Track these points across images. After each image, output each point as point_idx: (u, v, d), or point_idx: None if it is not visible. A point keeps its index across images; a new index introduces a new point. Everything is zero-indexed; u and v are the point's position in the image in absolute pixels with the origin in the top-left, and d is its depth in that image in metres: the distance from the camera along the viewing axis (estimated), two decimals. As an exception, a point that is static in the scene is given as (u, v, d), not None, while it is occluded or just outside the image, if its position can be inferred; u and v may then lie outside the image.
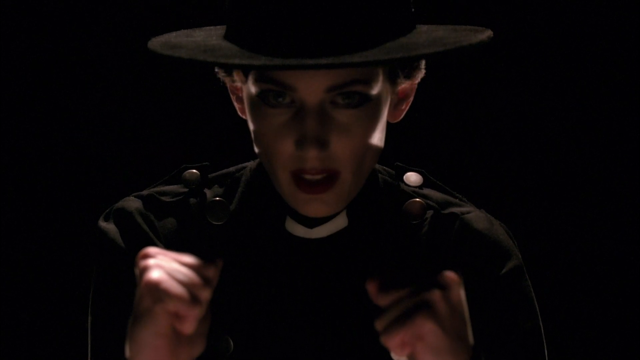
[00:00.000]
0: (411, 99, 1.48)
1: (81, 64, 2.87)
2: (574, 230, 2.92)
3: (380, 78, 1.38)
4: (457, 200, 1.56)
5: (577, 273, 2.92)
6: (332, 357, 1.44)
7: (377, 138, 1.41)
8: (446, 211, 1.53)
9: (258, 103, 1.39)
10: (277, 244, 1.47)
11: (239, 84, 1.44)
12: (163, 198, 1.52)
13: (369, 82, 1.37)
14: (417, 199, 1.53)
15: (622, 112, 2.92)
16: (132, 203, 1.50)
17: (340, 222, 1.48)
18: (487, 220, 1.54)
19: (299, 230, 1.47)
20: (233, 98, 1.49)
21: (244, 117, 1.47)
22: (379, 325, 1.23)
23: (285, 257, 1.47)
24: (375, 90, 1.38)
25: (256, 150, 1.43)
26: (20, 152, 2.88)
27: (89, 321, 1.48)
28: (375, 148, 1.41)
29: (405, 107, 1.48)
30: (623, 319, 2.90)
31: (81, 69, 2.87)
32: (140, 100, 2.87)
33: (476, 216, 1.53)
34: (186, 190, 1.53)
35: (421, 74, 1.46)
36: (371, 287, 1.24)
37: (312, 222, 1.47)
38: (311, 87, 1.35)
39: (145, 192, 1.53)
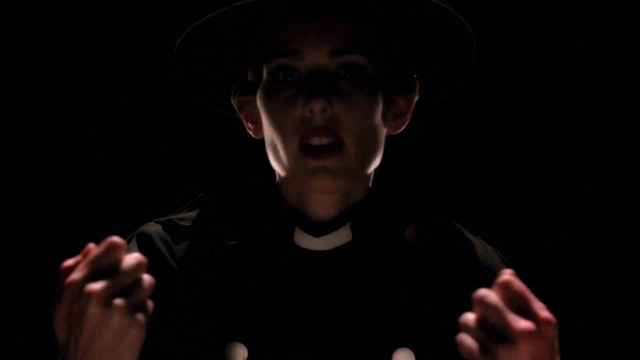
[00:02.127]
0: (408, 117, 1.63)
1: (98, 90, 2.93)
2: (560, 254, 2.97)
3: (377, 60, 1.55)
4: (457, 226, 1.66)
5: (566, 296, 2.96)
6: None
7: (377, 122, 1.55)
8: (448, 233, 1.63)
9: (269, 87, 1.54)
10: (287, 257, 1.57)
11: (252, 109, 1.58)
12: (181, 223, 1.62)
13: (366, 54, 1.53)
14: (416, 223, 1.63)
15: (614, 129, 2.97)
16: (152, 227, 1.62)
17: (344, 236, 1.59)
18: (482, 247, 1.64)
19: (306, 242, 1.57)
20: (248, 125, 1.63)
21: (258, 136, 1.61)
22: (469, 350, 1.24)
23: (294, 269, 1.56)
24: (372, 71, 1.54)
25: (268, 142, 1.56)
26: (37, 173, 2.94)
27: None
28: (375, 131, 1.55)
29: (402, 124, 1.63)
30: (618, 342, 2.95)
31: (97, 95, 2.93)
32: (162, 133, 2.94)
33: (474, 242, 1.64)
34: (202, 215, 1.63)
35: (415, 95, 1.61)
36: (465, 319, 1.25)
37: (318, 231, 1.57)
38: (316, 51, 1.51)
39: (164, 218, 1.64)
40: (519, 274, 1.63)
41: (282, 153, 1.54)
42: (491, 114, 2.97)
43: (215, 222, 1.61)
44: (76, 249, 1.30)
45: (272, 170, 1.63)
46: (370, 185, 1.62)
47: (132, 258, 1.24)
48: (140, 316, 1.24)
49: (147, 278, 1.25)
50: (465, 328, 1.22)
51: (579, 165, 2.97)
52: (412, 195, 1.68)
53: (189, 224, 1.61)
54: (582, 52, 2.96)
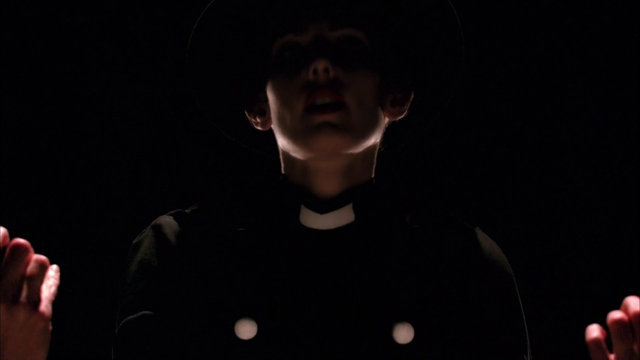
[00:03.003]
0: (405, 108, 1.72)
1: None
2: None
3: (375, 39, 1.68)
4: (456, 216, 1.75)
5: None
6: (347, 339, 1.60)
7: (376, 92, 1.66)
8: (447, 220, 1.72)
9: (277, 64, 1.66)
10: (293, 235, 1.66)
11: (261, 104, 1.70)
12: (190, 211, 1.71)
13: (364, 30, 1.66)
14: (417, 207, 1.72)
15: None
16: (163, 218, 1.71)
17: (347, 217, 1.67)
18: (482, 235, 1.73)
19: (311, 221, 1.66)
20: (256, 120, 1.72)
21: (266, 128, 1.71)
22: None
23: (300, 247, 1.65)
24: (370, 48, 1.66)
25: (275, 114, 1.66)
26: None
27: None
28: (374, 99, 1.66)
29: (400, 113, 1.72)
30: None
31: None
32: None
33: (477, 231, 1.72)
34: (210, 202, 1.72)
35: (412, 92, 1.72)
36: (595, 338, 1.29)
37: (322, 207, 1.66)
38: (317, 25, 1.64)
39: (174, 211, 1.73)
40: (517, 269, 1.72)
41: (288, 117, 1.63)
42: (493, 111, 3.01)
43: (222, 208, 1.70)
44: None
45: (277, 166, 1.72)
46: (373, 172, 1.71)
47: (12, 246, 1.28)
48: (44, 308, 1.28)
49: (37, 263, 1.29)
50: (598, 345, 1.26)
51: (577, 166, 3.00)
52: (413, 184, 1.75)
53: (197, 212, 1.70)
54: (580, 53, 2.99)
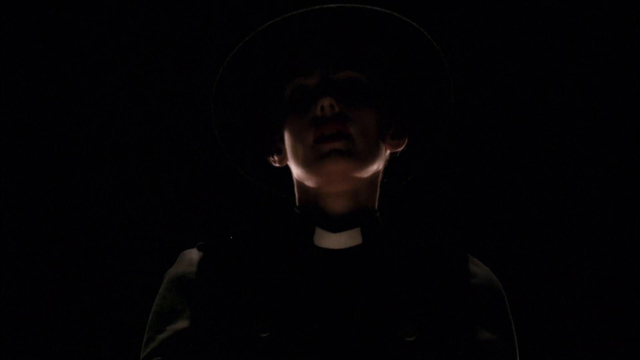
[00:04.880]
0: (403, 141, 1.95)
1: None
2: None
3: (374, 79, 1.88)
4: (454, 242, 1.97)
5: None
6: (355, 346, 1.81)
7: (377, 125, 1.88)
8: (445, 246, 1.95)
9: (289, 104, 1.87)
10: (308, 254, 1.88)
11: (278, 143, 1.92)
12: (213, 243, 1.94)
13: (364, 72, 1.86)
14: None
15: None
16: (189, 252, 1.93)
17: (356, 239, 1.89)
18: (472, 260, 1.95)
19: (324, 241, 1.88)
20: (274, 159, 1.95)
21: (283, 164, 1.93)
22: None
23: (314, 264, 1.87)
24: (369, 87, 1.87)
25: (289, 147, 1.88)
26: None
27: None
28: (376, 131, 1.87)
29: (399, 145, 1.94)
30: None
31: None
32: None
33: (469, 256, 1.95)
34: (232, 237, 1.95)
35: (408, 126, 1.95)
36: None
37: (334, 226, 1.88)
38: (322, 68, 1.86)
39: (199, 243, 1.95)
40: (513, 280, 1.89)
41: (300, 148, 1.85)
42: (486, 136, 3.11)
43: (243, 237, 1.93)
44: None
45: (292, 203, 1.94)
46: (377, 199, 1.93)
47: None
48: None
49: None
50: None
51: (576, 171, 3.10)
52: (412, 212, 1.95)
53: (220, 242, 1.93)
54: (569, 81, 3.10)
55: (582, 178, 3.11)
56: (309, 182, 1.87)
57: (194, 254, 1.90)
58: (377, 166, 1.89)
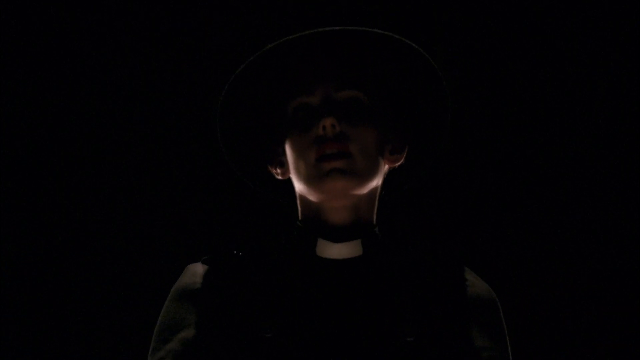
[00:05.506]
0: (402, 156, 2.01)
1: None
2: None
3: (374, 98, 1.94)
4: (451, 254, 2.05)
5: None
6: (356, 350, 1.87)
7: (376, 143, 1.94)
8: (441, 257, 2.02)
9: (292, 121, 1.93)
10: (311, 264, 1.95)
11: (280, 156, 1.98)
12: (218, 255, 2.01)
13: (365, 91, 1.92)
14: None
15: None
16: (193, 265, 2.00)
17: (356, 250, 1.95)
18: (468, 271, 2.02)
19: (325, 251, 1.95)
20: (277, 171, 2.01)
21: (285, 177, 2.00)
22: None
23: (317, 273, 1.94)
24: (369, 106, 1.93)
25: (292, 164, 1.94)
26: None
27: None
28: (375, 149, 1.94)
29: (397, 160, 2.01)
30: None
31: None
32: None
33: (466, 270, 2.02)
34: (238, 253, 2.01)
35: (407, 141, 2.02)
36: None
37: (335, 236, 1.95)
38: (324, 88, 1.92)
39: (204, 257, 2.02)
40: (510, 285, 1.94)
41: (303, 166, 1.91)
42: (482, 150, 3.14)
43: (248, 249, 1.99)
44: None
45: (294, 215, 2.01)
46: (375, 212, 1.99)
47: None
48: None
49: None
50: None
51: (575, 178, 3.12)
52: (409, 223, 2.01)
53: (226, 255, 2.00)
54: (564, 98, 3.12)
55: (577, 192, 3.13)
56: (311, 197, 1.94)
57: (198, 267, 1.96)
58: (377, 182, 1.96)
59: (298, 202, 1.99)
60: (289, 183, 2.00)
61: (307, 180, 1.91)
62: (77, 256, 3.11)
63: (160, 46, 3.12)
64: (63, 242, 3.11)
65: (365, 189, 1.93)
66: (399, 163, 2.01)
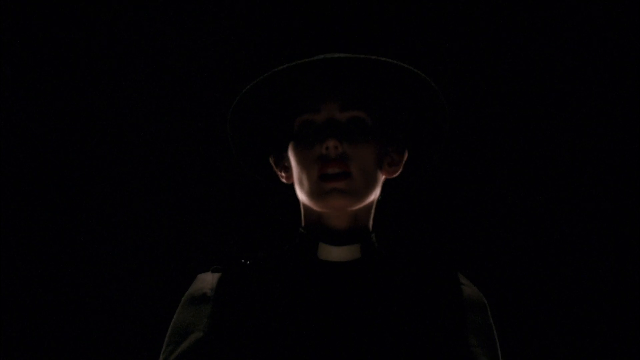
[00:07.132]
0: (399, 167, 2.10)
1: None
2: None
3: (375, 116, 2.03)
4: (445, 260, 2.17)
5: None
6: (356, 348, 1.97)
7: (375, 161, 2.04)
8: (435, 262, 2.12)
9: (297, 137, 2.02)
10: (312, 266, 2.05)
11: (285, 162, 2.08)
12: (225, 264, 2.11)
13: (367, 111, 2.01)
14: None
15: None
16: (203, 274, 2.10)
17: (355, 253, 2.05)
18: (462, 276, 2.12)
19: (326, 254, 2.05)
20: (281, 174, 2.11)
21: (289, 182, 2.09)
22: None
23: (318, 275, 2.04)
24: (371, 124, 2.02)
25: (296, 177, 2.04)
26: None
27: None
28: (374, 167, 2.03)
29: (395, 171, 2.10)
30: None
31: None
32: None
33: (460, 276, 2.12)
34: (245, 262, 2.11)
35: (405, 153, 2.10)
36: None
37: (336, 239, 2.05)
38: (329, 107, 2.00)
39: (212, 267, 2.12)
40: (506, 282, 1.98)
41: (305, 181, 2.00)
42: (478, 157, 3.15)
43: (254, 256, 2.09)
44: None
45: (297, 221, 2.10)
46: (372, 218, 2.08)
47: None
48: None
49: None
50: None
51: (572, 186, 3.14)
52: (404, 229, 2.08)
53: (233, 263, 2.10)
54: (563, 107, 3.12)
55: (573, 198, 3.14)
56: (313, 207, 2.03)
57: (208, 276, 2.06)
58: (375, 195, 2.06)
59: (301, 206, 2.09)
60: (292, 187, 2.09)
61: (309, 195, 2.00)
62: (80, 264, 3.13)
63: (174, 52, 3.15)
64: (68, 249, 3.13)
65: (363, 204, 2.03)
66: (397, 174, 2.10)
